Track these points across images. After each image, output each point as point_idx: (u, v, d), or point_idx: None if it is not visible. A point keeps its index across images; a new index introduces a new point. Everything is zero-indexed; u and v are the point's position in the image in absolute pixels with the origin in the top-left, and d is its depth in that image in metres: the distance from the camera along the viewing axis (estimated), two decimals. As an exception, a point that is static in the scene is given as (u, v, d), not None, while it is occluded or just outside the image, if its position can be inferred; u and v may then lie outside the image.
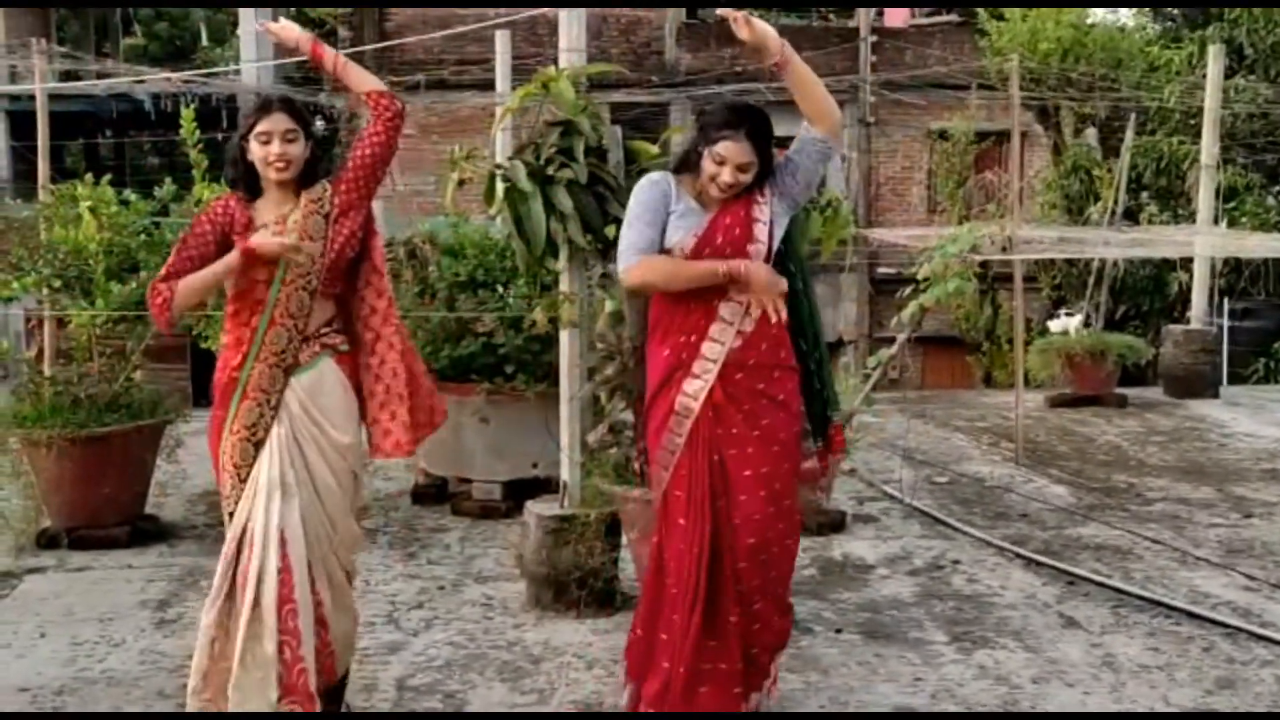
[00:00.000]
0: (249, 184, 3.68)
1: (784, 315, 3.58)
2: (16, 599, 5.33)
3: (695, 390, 3.62)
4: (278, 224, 3.60)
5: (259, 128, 3.59)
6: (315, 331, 3.66)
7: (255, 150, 3.60)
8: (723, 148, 3.56)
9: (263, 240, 3.54)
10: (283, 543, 3.52)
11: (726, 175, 3.57)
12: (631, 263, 3.66)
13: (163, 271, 3.62)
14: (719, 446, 3.63)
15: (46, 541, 6.04)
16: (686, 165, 3.70)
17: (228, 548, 3.58)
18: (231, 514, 3.61)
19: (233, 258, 3.54)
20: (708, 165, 3.60)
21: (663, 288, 3.69)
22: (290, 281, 3.58)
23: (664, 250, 3.65)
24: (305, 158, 3.64)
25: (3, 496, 6.11)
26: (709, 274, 3.58)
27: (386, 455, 3.81)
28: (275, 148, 3.58)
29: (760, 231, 3.62)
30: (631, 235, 3.67)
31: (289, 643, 3.51)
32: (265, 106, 3.63)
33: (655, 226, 3.65)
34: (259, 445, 3.59)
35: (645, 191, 3.70)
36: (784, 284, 3.59)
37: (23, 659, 4.59)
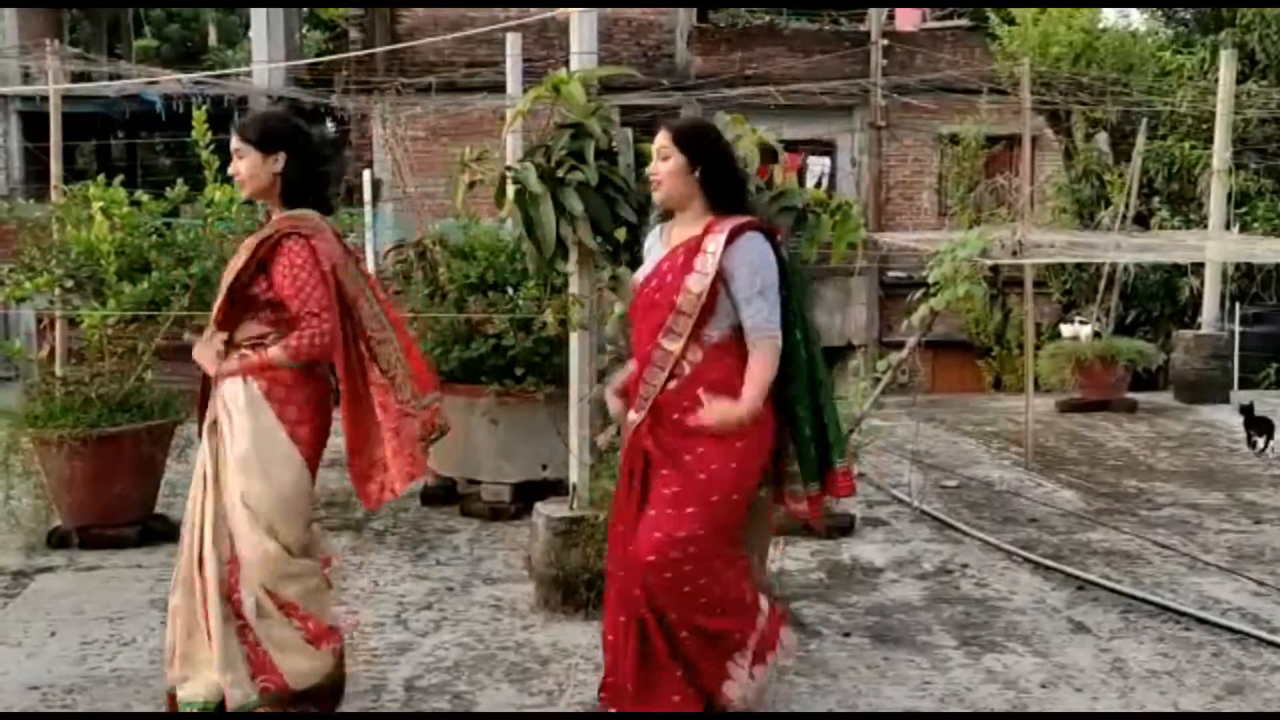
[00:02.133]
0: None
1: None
2: (27, 598, 5.35)
3: (633, 420, 3.67)
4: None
5: None
6: (243, 341, 3.64)
7: None
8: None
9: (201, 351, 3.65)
10: (232, 535, 3.56)
11: (653, 167, 3.65)
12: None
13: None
14: (647, 476, 3.62)
15: (57, 540, 6.07)
16: None
17: (182, 536, 3.67)
18: None
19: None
20: None
21: None
22: (226, 293, 3.64)
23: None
24: (274, 174, 3.61)
25: (14, 496, 6.13)
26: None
27: (378, 500, 3.76)
28: (233, 164, 3.67)
29: (694, 282, 3.50)
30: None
31: (244, 629, 3.56)
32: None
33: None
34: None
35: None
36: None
37: (33, 657, 4.60)
